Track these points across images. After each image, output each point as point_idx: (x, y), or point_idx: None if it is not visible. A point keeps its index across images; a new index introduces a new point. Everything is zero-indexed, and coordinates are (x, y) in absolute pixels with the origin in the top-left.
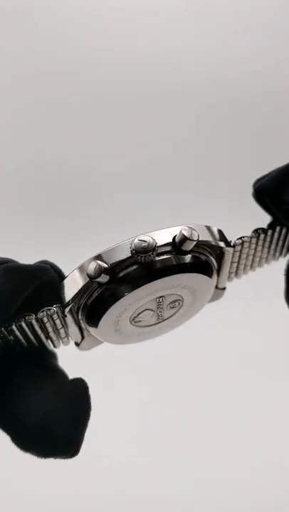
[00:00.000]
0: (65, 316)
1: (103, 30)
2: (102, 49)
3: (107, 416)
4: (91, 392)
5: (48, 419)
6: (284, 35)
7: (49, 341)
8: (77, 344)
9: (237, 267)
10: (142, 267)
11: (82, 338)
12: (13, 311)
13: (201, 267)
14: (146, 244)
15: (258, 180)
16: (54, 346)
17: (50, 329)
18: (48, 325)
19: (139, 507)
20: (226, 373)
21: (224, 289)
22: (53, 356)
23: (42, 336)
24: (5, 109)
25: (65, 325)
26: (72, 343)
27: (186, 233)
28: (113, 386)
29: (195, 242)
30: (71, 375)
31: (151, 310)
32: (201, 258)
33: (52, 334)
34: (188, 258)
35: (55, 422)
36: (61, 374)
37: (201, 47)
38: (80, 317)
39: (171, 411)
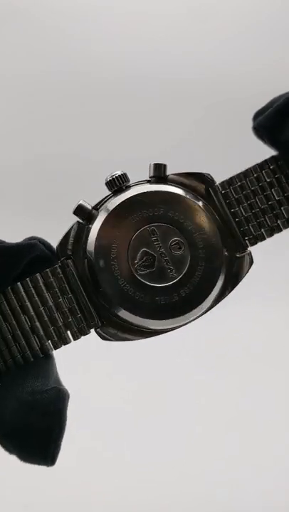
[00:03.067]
0: (66, 260)
1: (105, 30)
2: (103, 47)
3: (106, 409)
4: (95, 383)
5: (20, 431)
6: (284, 35)
7: (70, 335)
8: (97, 331)
9: (246, 219)
10: (114, 193)
11: (102, 323)
12: (4, 288)
13: (178, 183)
14: (116, 172)
15: (257, 114)
16: (73, 338)
17: (58, 292)
18: (54, 284)
19: (138, 504)
20: (228, 368)
21: (243, 253)
22: (43, 361)
23: (59, 321)
24: (4, 106)
25: (72, 279)
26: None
27: (154, 163)
28: (113, 379)
29: (165, 165)
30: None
31: (151, 251)
32: (176, 178)
33: (64, 307)
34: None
35: (26, 434)
36: (43, 380)
37: (202, 46)
38: (90, 278)
39: (172, 407)
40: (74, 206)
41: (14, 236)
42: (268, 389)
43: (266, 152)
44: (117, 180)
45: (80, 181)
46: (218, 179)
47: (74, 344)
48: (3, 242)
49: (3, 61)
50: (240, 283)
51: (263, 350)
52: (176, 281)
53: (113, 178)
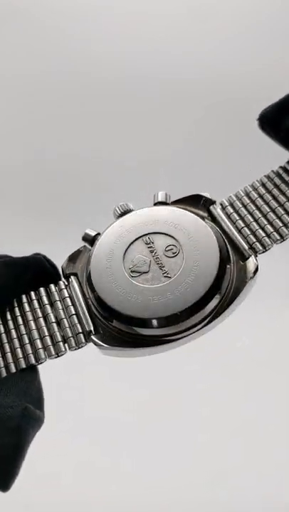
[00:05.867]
0: (69, 276)
1: (105, 30)
2: (103, 48)
3: (107, 416)
4: (94, 385)
5: None
6: (284, 35)
7: (66, 346)
8: (94, 341)
9: (248, 227)
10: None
11: (96, 330)
12: (12, 298)
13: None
14: (122, 203)
15: (263, 110)
16: (69, 348)
17: (59, 304)
18: (56, 296)
19: (139, 506)
20: (232, 376)
21: (247, 260)
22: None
23: (57, 334)
24: (4, 106)
25: (73, 291)
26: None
27: (159, 192)
28: (114, 387)
29: (167, 197)
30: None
31: (145, 256)
32: (177, 205)
33: (63, 317)
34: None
35: None
36: (15, 397)
37: (202, 46)
38: (86, 289)
39: (175, 414)
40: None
41: (14, 236)
42: (273, 396)
43: (266, 152)
44: (120, 208)
45: (80, 181)
46: (219, 180)
47: (74, 353)
48: (10, 256)
49: (3, 61)
50: (247, 289)
51: (267, 357)
52: (171, 282)
53: (116, 207)
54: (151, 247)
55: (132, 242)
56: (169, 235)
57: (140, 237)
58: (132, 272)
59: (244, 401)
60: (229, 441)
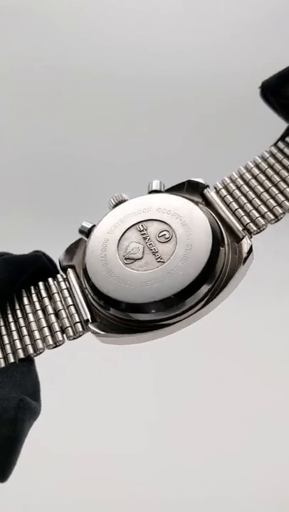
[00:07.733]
0: (67, 268)
1: (105, 30)
2: (102, 45)
3: (109, 406)
4: (96, 378)
5: None
6: (285, 36)
7: (64, 336)
8: (91, 329)
9: (242, 208)
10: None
11: (93, 319)
12: (11, 293)
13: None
14: (117, 194)
15: (265, 79)
16: (67, 338)
17: (57, 297)
18: (54, 289)
19: (144, 505)
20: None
21: (241, 241)
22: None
23: (55, 325)
24: (4, 107)
25: (70, 283)
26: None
27: (153, 180)
28: (118, 378)
29: (161, 185)
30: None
31: (138, 243)
32: (171, 192)
33: (61, 308)
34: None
35: None
36: (10, 388)
37: (201, 46)
38: (83, 280)
39: (178, 407)
40: (78, 227)
41: (14, 235)
42: (275, 394)
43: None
44: (114, 199)
45: (80, 181)
46: (218, 179)
47: (72, 342)
48: (10, 253)
49: (3, 61)
50: (241, 271)
51: (269, 356)
52: (164, 266)
53: (111, 198)
54: (144, 233)
55: (125, 231)
56: (162, 221)
57: (134, 225)
58: (126, 259)
59: (245, 400)
60: (231, 439)
